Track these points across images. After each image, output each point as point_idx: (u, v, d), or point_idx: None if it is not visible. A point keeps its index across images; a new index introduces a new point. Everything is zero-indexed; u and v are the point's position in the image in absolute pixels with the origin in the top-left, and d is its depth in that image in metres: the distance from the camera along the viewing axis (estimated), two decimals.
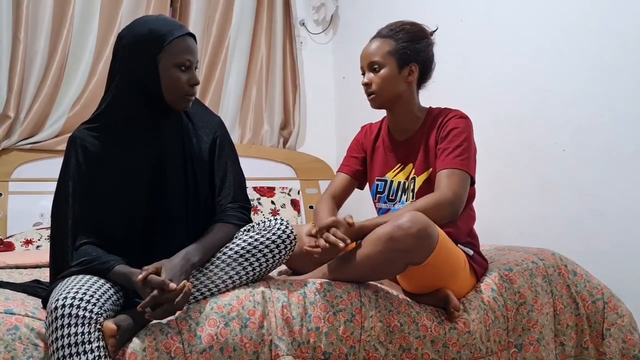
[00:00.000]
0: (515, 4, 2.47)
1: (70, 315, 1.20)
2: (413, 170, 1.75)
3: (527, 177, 2.40)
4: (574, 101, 2.22)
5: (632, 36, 2.02)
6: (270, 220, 1.51)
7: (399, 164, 1.79)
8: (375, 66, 1.72)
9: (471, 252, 1.69)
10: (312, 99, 3.73)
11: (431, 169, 1.71)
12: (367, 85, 1.74)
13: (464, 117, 1.72)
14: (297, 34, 3.68)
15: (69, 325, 1.19)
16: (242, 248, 1.45)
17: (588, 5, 2.17)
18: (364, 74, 1.77)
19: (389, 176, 1.80)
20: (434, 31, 1.80)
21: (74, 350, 1.18)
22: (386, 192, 1.80)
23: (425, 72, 1.78)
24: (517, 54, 2.45)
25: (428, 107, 1.82)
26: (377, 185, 1.83)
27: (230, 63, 3.46)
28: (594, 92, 2.15)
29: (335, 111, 3.75)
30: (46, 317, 1.24)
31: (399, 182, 1.77)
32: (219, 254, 1.45)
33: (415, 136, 1.77)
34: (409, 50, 1.72)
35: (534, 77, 2.38)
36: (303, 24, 3.74)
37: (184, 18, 3.30)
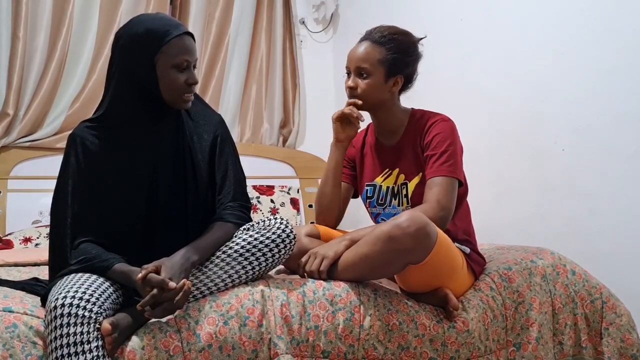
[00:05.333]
0: (515, 3, 2.47)
1: (69, 314, 1.19)
2: (402, 176, 1.75)
3: (527, 176, 2.40)
4: (574, 101, 2.22)
5: (632, 36, 2.02)
6: (270, 220, 1.51)
7: (387, 169, 1.79)
8: (363, 72, 1.71)
9: (468, 251, 1.69)
10: (312, 98, 3.73)
11: (421, 174, 1.71)
12: (352, 88, 1.74)
13: (446, 120, 1.72)
14: (297, 33, 3.68)
15: (68, 324, 1.19)
16: (242, 247, 1.45)
17: (588, 5, 2.17)
18: (349, 74, 1.76)
19: (377, 181, 1.81)
20: (422, 38, 1.79)
21: (72, 350, 1.18)
22: (375, 196, 1.81)
23: (408, 82, 1.79)
24: (517, 53, 2.45)
25: (410, 108, 1.82)
26: (367, 190, 1.84)
27: (230, 61, 3.46)
28: (594, 92, 2.15)
29: (336, 109, 3.74)
30: (45, 316, 1.24)
31: (388, 187, 1.78)
32: (218, 253, 1.45)
33: (401, 141, 1.78)
34: (398, 63, 1.72)
35: (533, 77, 2.38)
36: (303, 22, 3.73)
37: (183, 16, 3.29)
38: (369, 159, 1.85)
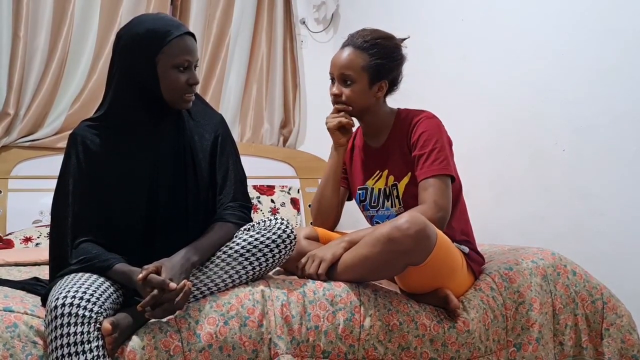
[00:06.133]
0: (516, 3, 2.47)
1: (70, 314, 1.19)
2: (391, 177, 1.75)
3: (527, 177, 2.40)
4: (574, 101, 2.22)
5: (632, 36, 2.02)
6: (270, 220, 1.51)
7: (377, 171, 1.79)
8: (347, 80, 1.71)
9: (467, 250, 1.69)
10: (312, 98, 3.73)
11: (410, 173, 1.71)
12: (336, 95, 1.74)
13: (430, 117, 1.72)
14: (297, 33, 3.67)
15: (69, 324, 1.19)
16: (243, 247, 1.45)
17: (588, 5, 2.17)
18: (332, 79, 1.75)
19: (369, 184, 1.81)
20: (405, 39, 1.78)
21: (72, 349, 1.18)
22: (368, 199, 1.81)
23: (393, 86, 1.78)
24: (518, 53, 2.45)
25: (397, 109, 1.82)
26: (359, 194, 1.84)
27: (231, 61, 3.46)
28: (594, 92, 2.15)
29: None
30: (45, 316, 1.24)
31: (380, 189, 1.78)
32: (219, 253, 1.45)
33: (387, 142, 1.78)
34: (382, 68, 1.71)
35: (534, 76, 2.38)
36: (304, 22, 3.73)
37: (184, 16, 3.29)
38: (358, 161, 1.86)
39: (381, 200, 1.78)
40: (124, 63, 1.45)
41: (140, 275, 1.29)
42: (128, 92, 1.46)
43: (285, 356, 1.37)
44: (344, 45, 1.75)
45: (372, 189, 1.80)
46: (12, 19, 2.85)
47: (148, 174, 1.49)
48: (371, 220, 1.84)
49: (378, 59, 1.70)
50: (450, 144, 1.72)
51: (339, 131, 1.78)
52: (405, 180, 1.72)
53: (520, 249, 1.89)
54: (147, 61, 1.42)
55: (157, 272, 1.31)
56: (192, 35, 1.48)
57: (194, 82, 1.47)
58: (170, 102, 1.47)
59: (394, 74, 1.75)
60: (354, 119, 1.78)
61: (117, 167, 1.47)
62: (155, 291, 1.27)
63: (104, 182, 1.46)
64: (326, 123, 1.78)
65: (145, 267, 1.32)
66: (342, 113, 1.75)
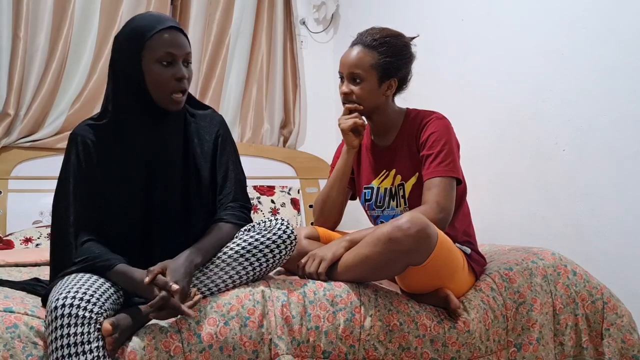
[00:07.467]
0: (516, 3, 2.47)
1: (70, 315, 1.19)
2: (398, 176, 1.75)
3: (528, 177, 2.40)
4: (575, 101, 2.22)
5: (632, 36, 2.02)
6: (270, 220, 1.51)
7: (384, 171, 1.79)
8: (356, 78, 1.71)
9: (469, 251, 1.69)
10: (312, 98, 3.73)
11: (418, 174, 1.71)
12: (346, 94, 1.74)
13: (440, 118, 1.72)
14: (297, 33, 3.68)
15: (69, 325, 1.19)
16: (243, 248, 1.45)
17: (589, 5, 2.17)
18: (342, 78, 1.75)
19: (375, 183, 1.81)
20: (414, 37, 1.78)
21: (72, 350, 1.18)
22: (374, 199, 1.81)
23: (402, 84, 1.78)
24: (518, 53, 2.45)
25: (405, 108, 1.82)
26: (365, 193, 1.84)
27: (231, 62, 3.46)
28: (595, 92, 2.15)
29: (336, 110, 3.74)
30: (46, 316, 1.24)
31: (386, 189, 1.78)
32: (219, 254, 1.45)
33: (396, 141, 1.78)
34: (391, 66, 1.71)
35: (534, 76, 2.38)
36: (304, 22, 3.74)
37: (184, 17, 3.29)
38: (366, 160, 1.85)
39: (387, 200, 1.78)
40: (116, 63, 1.46)
41: (147, 278, 1.29)
42: (124, 93, 1.45)
43: (286, 356, 1.37)
44: (353, 44, 1.75)
45: (379, 188, 1.80)
46: (12, 19, 2.85)
47: (148, 175, 1.49)
48: (375, 220, 1.83)
49: (387, 57, 1.70)
50: (458, 146, 1.72)
51: (352, 132, 1.77)
52: (413, 180, 1.72)
53: (520, 249, 1.89)
54: (133, 58, 1.41)
55: (162, 273, 1.32)
56: (179, 29, 1.45)
57: (180, 76, 1.42)
58: (158, 101, 1.44)
59: (403, 72, 1.75)
60: (363, 118, 1.78)
61: (117, 167, 1.47)
62: (164, 293, 1.27)
63: (104, 182, 1.46)
64: (339, 124, 1.77)
65: (151, 269, 1.32)
66: (355, 114, 1.74)
